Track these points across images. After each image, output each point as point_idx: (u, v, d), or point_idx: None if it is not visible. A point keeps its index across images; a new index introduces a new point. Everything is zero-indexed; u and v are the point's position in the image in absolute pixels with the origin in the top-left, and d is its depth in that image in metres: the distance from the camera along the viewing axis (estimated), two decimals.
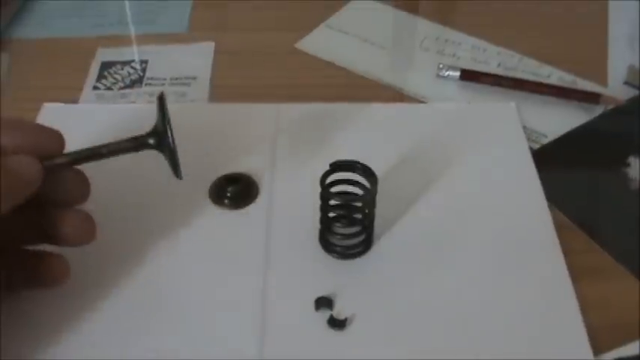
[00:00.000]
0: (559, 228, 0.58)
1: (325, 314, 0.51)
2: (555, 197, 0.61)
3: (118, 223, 0.57)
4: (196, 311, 0.52)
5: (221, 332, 0.51)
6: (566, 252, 0.56)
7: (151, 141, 0.51)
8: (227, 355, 0.49)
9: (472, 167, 0.63)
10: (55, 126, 0.65)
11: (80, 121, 0.68)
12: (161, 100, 0.51)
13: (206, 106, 0.71)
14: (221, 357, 0.49)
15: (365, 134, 0.66)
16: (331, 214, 0.55)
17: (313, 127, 0.67)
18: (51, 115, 0.68)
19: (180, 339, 0.50)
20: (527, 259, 0.56)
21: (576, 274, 0.55)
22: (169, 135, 0.50)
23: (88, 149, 0.50)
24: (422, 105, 0.72)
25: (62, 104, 0.70)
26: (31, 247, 0.51)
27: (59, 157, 0.50)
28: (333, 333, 0.51)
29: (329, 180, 0.53)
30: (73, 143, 0.63)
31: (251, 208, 0.60)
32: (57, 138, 0.51)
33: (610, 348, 0.50)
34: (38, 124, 0.51)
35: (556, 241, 0.57)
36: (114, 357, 0.49)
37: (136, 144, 0.51)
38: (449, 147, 0.65)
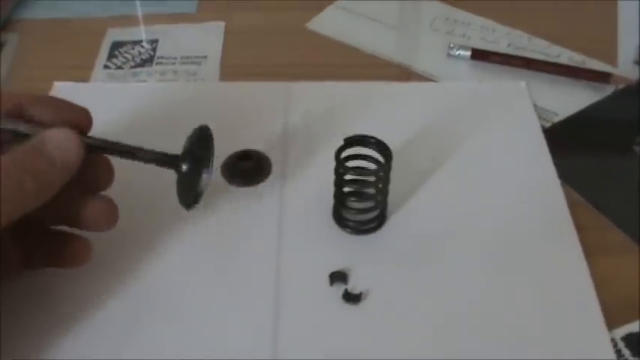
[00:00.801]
0: (571, 206, 0.58)
1: (340, 289, 0.52)
2: (567, 175, 0.61)
3: (131, 204, 0.56)
4: (211, 288, 0.52)
5: (236, 308, 0.51)
6: (579, 229, 0.56)
7: (185, 167, 0.50)
8: (243, 329, 0.50)
9: (484, 145, 0.64)
10: None
11: (91, 99, 0.67)
12: (206, 131, 0.51)
13: (218, 85, 0.72)
14: (237, 331, 0.50)
15: (377, 112, 0.66)
16: (345, 189, 0.55)
17: (325, 105, 0.67)
18: (62, 93, 0.68)
19: (195, 314, 0.51)
20: (541, 237, 0.56)
21: (588, 251, 0.55)
22: (210, 169, 0.50)
23: (124, 145, 0.50)
24: (434, 84, 0.72)
25: (73, 82, 0.70)
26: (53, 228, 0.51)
27: (95, 139, 0.49)
28: (347, 307, 0.51)
29: (343, 155, 0.54)
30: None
31: (264, 185, 0.60)
32: (87, 116, 0.51)
33: (622, 324, 0.50)
34: (68, 102, 0.51)
35: (569, 218, 0.57)
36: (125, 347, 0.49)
37: (169, 163, 0.50)
38: (461, 125, 0.65)
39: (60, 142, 0.46)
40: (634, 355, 0.49)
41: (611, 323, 0.50)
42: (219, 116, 0.64)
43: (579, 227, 0.56)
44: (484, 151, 0.63)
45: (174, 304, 0.51)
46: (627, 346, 0.49)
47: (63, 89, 0.69)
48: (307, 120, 0.66)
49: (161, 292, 0.52)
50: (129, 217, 0.52)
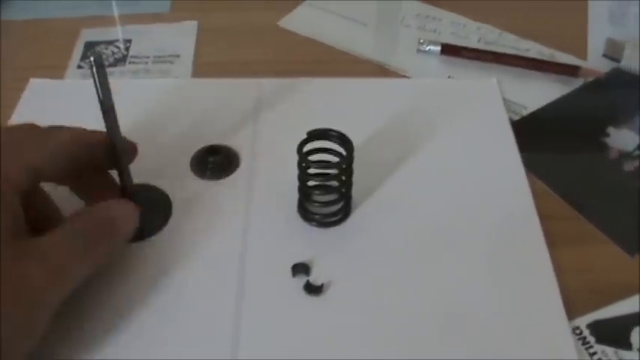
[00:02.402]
0: (539, 196, 0.59)
1: (302, 280, 0.52)
2: (536, 167, 0.62)
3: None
4: (175, 276, 0.53)
5: (198, 298, 0.51)
6: (546, 219, 0.57)
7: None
8: (203, 319, 0.50)
9: (452, 140, 0.64)
10: (41, 101, 0.66)
11: (65, 96, 0.69)
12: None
13: (190, 82, 0.72)
14: (197, 320, 0.50)
15: (346, 108, 0.67)
16: (310, 183, 0.56)
17: (294, 101, 0.68)
18: (37, 90, 0.69)
19: (158, 303, 0.51)
20: (505, 228, 0.57)
21: (555, 240, 0.55)
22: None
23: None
24: (404, 80, 0.72)
25: (48, 79, 0.71)
26: None
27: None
28: (309, 298, 0.51)
29: (306, 149, 0.54)
30: (58, 117, 0.64)
31: (232, 179, 0.60)
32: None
33: (587, 311, 0.51)
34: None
35: (534, 210, 0.58)
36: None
37: None
38: (430, 121, 0.66)
39: (126, 216, 0.50)
40: (598, 341, 0.49)
41: (577, 311, 0.51)
42: (190, 112, 0.65)
43: (546, 217, 0.57)
44: (451, 145, 0.64)
45: (138, 292, 0.52)
46: (592, 333, 0.50)
47: (38, 86, 0.70)
48: (276, 116, 0.66)
49: (124, 278, 0.53)
50: None
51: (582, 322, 0.50)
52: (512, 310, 0.51)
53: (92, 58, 0.47)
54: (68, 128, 0.51)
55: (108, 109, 0.49)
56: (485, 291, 0.52)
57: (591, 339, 0.49)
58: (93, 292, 0.51)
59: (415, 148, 0.63)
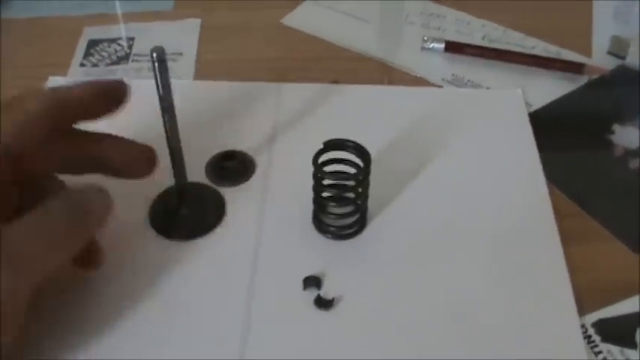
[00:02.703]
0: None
1: (313, 294, 0.51)
2: (541, 164, 0.61)
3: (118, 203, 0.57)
4: (185, 286, 0.52)
5: (208, 308, 0.51)
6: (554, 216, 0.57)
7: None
8: (212, 330, 0.49)
9: (471, 151, 0.63)
10: None
11: None
12: None
13: (204, 84, 0.71)
14: (205, 328, 0.49)
15: (364, 116, 0.66)
16: (325, 194, 0.54)
17: (313, 107, 0.67)
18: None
19: (167, 312, 0.50)
20: (525, 247, 0.55)
21: (562, 237, 0.55)
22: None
23: None
24: (429, 88, 0.71)
25: (66, 78, 0.71)
26: None
27: None
28: (319, 312, 0.50)
29: (322, 159, 0.53)
30: None
31: (246, 186, 0.59)
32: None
33: (593, 310, 0.51)
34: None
35: (554, 228, 0.56)
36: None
37: None
38: (450, 131, 0.65)
39: (100, 205, 0.47)
40: (604, 340, 0.49)
41: (582, 309, 0.51)
42: (206, 115, 0.65)
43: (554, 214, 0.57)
44: (471, 157, 0.62)
45: (147, 302, 0.51)
46: (597, 332, 0.49)
47: (57, 84, 0.69)
48: (295, 122, 0.65)
49: (133, 290, 0.52)
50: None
51: (587, 320, 0.50)
52: (527, 313, 0.50)
53: (154, 54, 0.46)
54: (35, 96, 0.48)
55: (168, 107, 0.49)
56: (506, 305, 0.51)
57: (596, 338, 0.49)
58: (102, 287, 0.51)
59: (433, 158, 0.62)
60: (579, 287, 0.52)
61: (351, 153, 0.53)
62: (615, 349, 0.49)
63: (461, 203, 0.58)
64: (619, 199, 0.60)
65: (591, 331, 0.49)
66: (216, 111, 0.66)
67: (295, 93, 0.68)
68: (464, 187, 0.59)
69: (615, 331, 0.50)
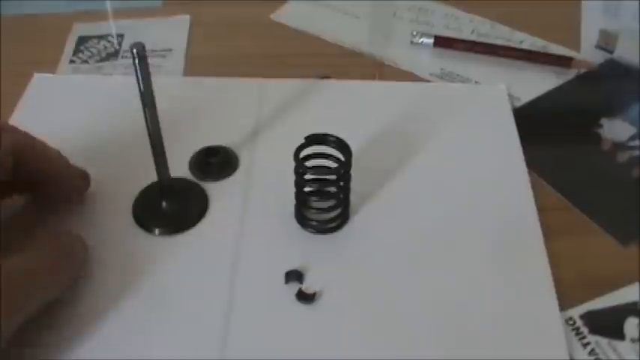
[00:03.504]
0: (532, 187, 0.59)
1: (294, 288, 0.51)
2: (529, 158, 0.62)
3: (102, 198, 0.58)
4: (167, 281, 0.52)
5: (187, 298, 0.51)
6: (539, 210, 0.57)
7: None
8: (195, 324, 0.49)
9: (453, 145, 0.63)
10: (44, 96, 0.67)
11: (69, 92, 0.69)
12: None
13: (188, 80, 0.72)
14: (189, 326, 0.49)
15: (346, 111, 0.66)
16: (307, 189, 0.55)
17: (295, 103, 0.67)
18: (41, 85, 0.69)
19: (149, 307, 0.50)
20: (506, 236, 0.56)
21: (548, 231, 0.55)
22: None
23: None
24: (409, 83, 0.71)
25: (52, 75, 0.71)
26: None
27: None
28: (300, 306, 0.51)
29: (304, 154, 0.53)
30: (62, 113, 0.65)
31: (230, 181, 0.60)
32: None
33: (581, 302, 0.51)
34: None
35: (536, 220, 0.57)
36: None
37: None
38: (432, 125, 0.65)
39: (81, 245, 0.51)
40: (592, 332, 0.49)
41: (570, 302, 0.51)
42: (189, 111, 0.65)
43: (539, 208, 0.57)
44: (453, 151, 0.63)
45: (130, 297, 0.51)
46: (586, 324, 0.50)
47: (42, 81, 0.70)
48: (277, 117, 0.66)
49: (116, 286, 0.52)
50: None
51: (575, 312, 0.50)
52: (512, 309, 0.51)
53: (134, 50, 0.46)
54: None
55: (148, 103, 0.49)
56: (486, 298, 0.51)
57: (585, 330, 0.49)
58: (85, 283, 0.51)
59: (415, 153, 0.62)
60: (568, 280, 0.52)
61: (333, 147, 0.53)
62: (603, 341, 0.49)
63: (443, 198, 0.59)
64: (607, 192, 0.60)
65: (579, 322, 0.50)
66: (199, 107, 0.66)
67: (278, 89, 0.69)
68: (446, 182, 0.60)
69: (603, 323, 0.50)
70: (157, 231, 0.55)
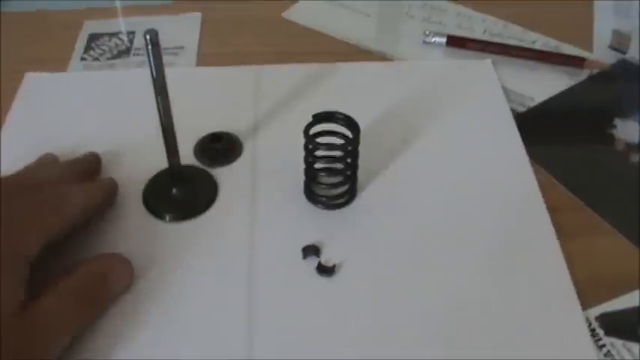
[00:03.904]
0: (546, 188, 0.59)
1: (313, 262, 0.52)
2: (542, 158, 0.61)
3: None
4: (183, 266, 0.53)
5: (211, 284, 0.51)
6: (553, 210, 0.57)
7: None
8: (217, 305, 0.50)
9: (451, 122, 0.65)
10: (39, 95, 0.66)
11: (64, 89, 0.69)
12: None
13: (189, 70, 0.72)
14: (212, 307, 0.50)
15: (344, 92, 0.67)
16: (317, 166, 0.56)
17: (294, 87, 0.68)
18: (34, 84, 0.69)
19: (167, 294, 0.51)
20: (511, 214, 0.57)
21: (562, 231, 0.55)
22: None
23: None
24: (398, 62, 0.73)
25: (45, 73, 0.71)
26: None
27: None
28: (321, 279, 0.52)
29: (312, 132, 0.54)
30: (57, 111, 0.64)
31: (236, 166, 0.60)
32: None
33: (595, 304, 0.51)
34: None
35: (539, 195, 0.58)
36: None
37: None
38: (429, 103, 0.67)
39: (119, 273, 0.50)
40: (607, 334, 0.49)
41: (585, 303, 0.51)
42: (192, 100, 0.64)
43: (553, 209, 0.57)
44: (451, 127, 0.64)
45: (144, 284, 0.51)
46: (601, 325, 0.50)
47: (35, 80, 0.70)
48: (276, 102, 0.66)
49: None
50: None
51: (591, 314, 0.50)
52: (526, 303, 0.51)
53: (148, 36, 0.47)
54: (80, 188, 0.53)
55: (161, 89, 0.49)
56: (496, 283, 0.52)
57: (600, 332, 0.49)
58: None
59: (416, 130, 0.64)
60: (582, 281, 0.52)
61: (340, 125, 0.54)
62: (618, 343, 0.49)
63: (444, 176, 0.60)
64: (620, 192, 0.60)
65: (595, 324, 0.50)
66: (198, 95, 0.67)
67: (276, 74, 0.70)
68: (447, 160, 0.61)
69: (618, 325, 0.50)
70: (168, 217, 0.56)
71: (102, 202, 0.55)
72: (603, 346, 0.48)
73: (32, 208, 0.48)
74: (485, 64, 0.72)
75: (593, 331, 0.49)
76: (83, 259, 0.50)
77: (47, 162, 0.56)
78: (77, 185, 0.53)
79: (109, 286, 0.48)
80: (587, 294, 0.51)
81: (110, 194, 0.56)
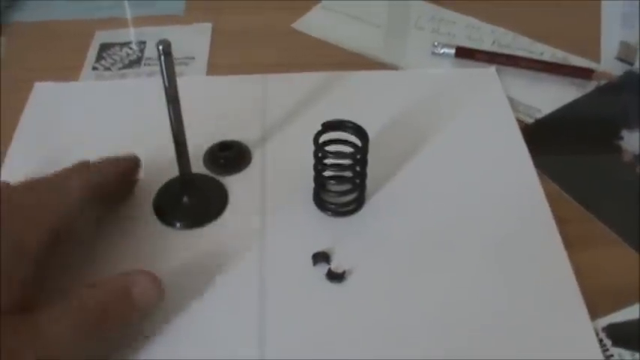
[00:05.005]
0: (553, 199, 0.59)
1: (323, 269, 0.53)
2: (550, 169, 0.62)
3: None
4: (193, 274, 0.53)
5: (222, 292, 0.52)
6: (560, 221, 0.57)
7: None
8: (229, 312, 0.50)
9: (456, 130, 0.65)
10: (49, 105, 0.67)
11: (74, 99, 0.69)
12: None
13: (197, 79, 0.73)
14: (224, 314, 0.50)
15: (351, 100, 0.68)
16: (325, 174, 0.56)
17: (302, 95, 0.68)
18: (44, 94, 0.69)
19: (179, 301, 0.51)
20: (519, 223, 0.57)
21: (569, 242, 0.56)
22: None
23: None
24: (404, 71, 0.74)
25: (54, 82, 0.71)
26: None
27: None
28: (331, 286, 0.52)
29: (321, 140, 0.55)
30: (66, 121, 0.65)
31: (245, 174, 0.61)
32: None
33: (603, 314, 0.51)
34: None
35: (546, 205, 0.58)
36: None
37: None
38: (435, 111, 0.67)
39: (145, 288, 0.48)
40: (615, 345, 0.49)
41: (593, 314, 0.51)
42: (201, 109, 0.64)
43: (560, 220, 0.57)
44: (458, 136, 0.65)
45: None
46: (609, 336, 0.50)
47: (44, 89, 0.70)
48: (284, 110, 0.67)
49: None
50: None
51: (599, 324, 0.50)
52: (534, 313, 0.51)
53: (160, 47, 0.47)
54: (81, 174, 0.52)
55: (173, 99, 0.50)
56: (504, 294, 0.52)
57: (608, 342, 0.49)
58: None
59: (424, 139, 0.64)
60: (589, 292, 0.52)
61: (349, 133, 0.55)
62: (626, 353, 0.49)
63: (451, 184, 0.60)
64: (627, 203, 0.60)
65: (602, 335, 0.50)
66: (208, 104, 0.67)
67: (283, 83, 0.70)
68: (453, 168, 0.62)
69: (626, 336, 0.50)
70: (178, 225, 0.56)
71: (114, 177, 0.55)
72: (611, 356, 0.49)
73: (28, 201, 0.47)
74: (489, 72, 0.72)
75: (600, 341, 0.49)
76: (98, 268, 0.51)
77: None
78: (74, 170, 0.52)
79: (133, 300, 0.47)
80: (594, 305, 0.51)
81: (127, 168, 0.56)
